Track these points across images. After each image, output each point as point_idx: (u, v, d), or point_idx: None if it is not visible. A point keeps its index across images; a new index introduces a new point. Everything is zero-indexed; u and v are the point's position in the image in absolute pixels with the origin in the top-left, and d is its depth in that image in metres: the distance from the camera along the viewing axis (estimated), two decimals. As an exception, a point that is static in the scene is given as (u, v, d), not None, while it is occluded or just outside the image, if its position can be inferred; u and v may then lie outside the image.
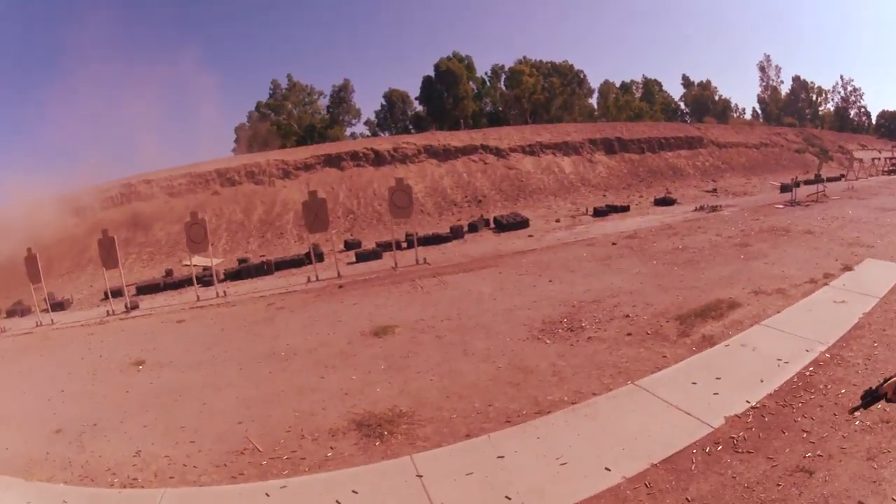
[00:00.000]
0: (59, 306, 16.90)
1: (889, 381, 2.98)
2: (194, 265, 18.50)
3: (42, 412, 7.89)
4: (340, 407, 7.10)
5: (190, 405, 7.76)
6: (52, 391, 8.69)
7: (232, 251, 24.94)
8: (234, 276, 18.75)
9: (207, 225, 16.99)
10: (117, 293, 16.11)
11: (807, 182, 25.72)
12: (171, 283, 18.44)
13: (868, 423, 5.22)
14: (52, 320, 14.77)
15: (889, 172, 33.84)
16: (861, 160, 34.56)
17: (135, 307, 15.22)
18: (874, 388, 3.05)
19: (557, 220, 24.12)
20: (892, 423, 5.14)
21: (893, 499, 4.21)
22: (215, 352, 10.16)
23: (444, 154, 33.58)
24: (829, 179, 27.81)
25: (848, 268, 10.77)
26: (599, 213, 24.71)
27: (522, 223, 22.94)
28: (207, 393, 8.15)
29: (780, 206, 20.96)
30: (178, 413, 7.52)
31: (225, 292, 15.72)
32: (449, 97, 52.38)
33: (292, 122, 51.57)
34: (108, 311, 14.85)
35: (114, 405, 7.93)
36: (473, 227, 23.25)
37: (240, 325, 11.97)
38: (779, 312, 8.68)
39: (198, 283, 16.57)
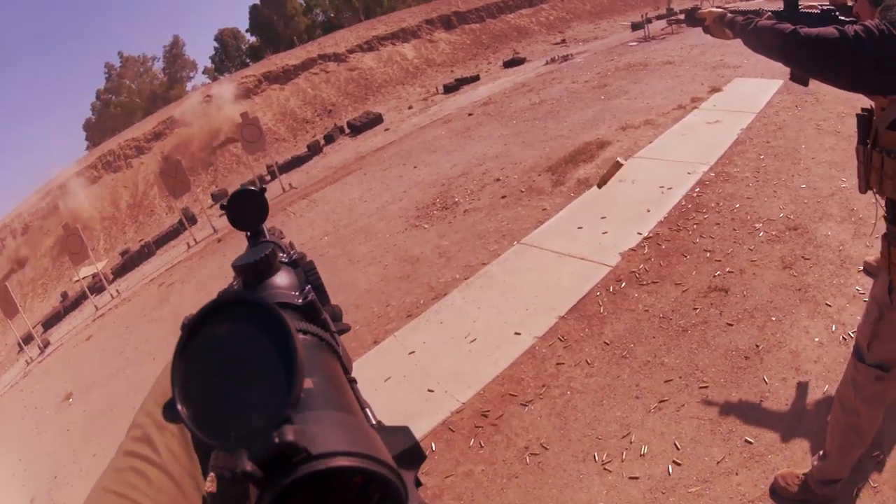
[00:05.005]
0: (-14, 378, 15.05)
1: (710, 11, 2.56)
2: (83, 278, 16.80)
3: (14, 489, 7.24)
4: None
5: (125, 417, 7.14)
6: (12, 465, 7.87)
7: (112, 248, 22.61)
8: (122, 270, 17.26)
9: (82, 232, 15.14)
10: (29, 339, 14.50)
11: (658, 17, 25.09)
12: (70, 306, 16.78)
13: (774, 232, 4.91)
14: (-13, 396, 13.13)
15: None
16: (715, -14, 32.27)
17: (47, 345, 13.74)
18: (698, 8, 2.71)
19: (410, 107, 22.97)
20: (801, 230, 4.82)
21: (827, 304, 3.81)
22: (128, 353, 9.31)
23: (285, 76, 30.45)
24: (683, 11, 25.92)
25: (717, 89, 10.02)
26: (450, 88, 23.49)
27: (376, 120, 21.70)
28: (133, 398, 7.38)
29: (634, 44, 19.71)
30: (115, 430, 6.96)
31: (118, 291, 14.37)
32: (279, 20, 48.92)
33: (133, 97, 47.23)
34: (26, 361, 13.34)
35: (63, 449, 7.28)
36: (329, 139, 21.78)
37: (140, 316, 11.02)
38: (651, 143, 8.12)
39: (92, 294, 15.14)
